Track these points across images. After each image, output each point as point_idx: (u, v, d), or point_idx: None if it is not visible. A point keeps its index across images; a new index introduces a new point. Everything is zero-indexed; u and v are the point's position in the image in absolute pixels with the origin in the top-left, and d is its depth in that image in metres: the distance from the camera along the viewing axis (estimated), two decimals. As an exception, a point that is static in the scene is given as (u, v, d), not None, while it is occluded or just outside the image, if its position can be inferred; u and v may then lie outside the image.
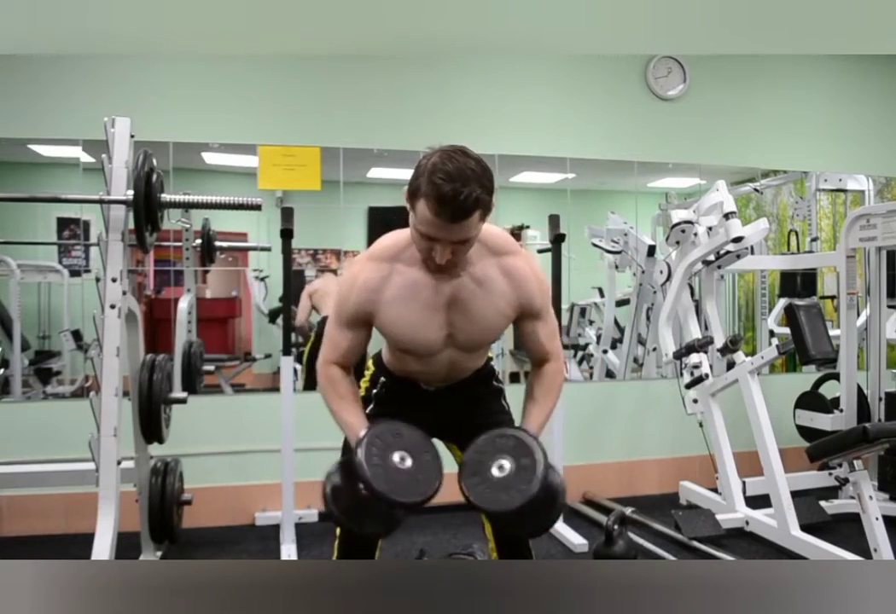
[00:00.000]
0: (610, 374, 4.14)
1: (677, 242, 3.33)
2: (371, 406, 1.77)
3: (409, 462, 1.44)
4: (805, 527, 2.88)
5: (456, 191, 1.35)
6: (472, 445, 1.50)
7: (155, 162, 2.32)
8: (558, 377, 1.68)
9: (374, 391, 1.78)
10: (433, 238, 1.42)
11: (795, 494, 2.97)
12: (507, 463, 1.44)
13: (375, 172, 3.85)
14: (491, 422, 1.77)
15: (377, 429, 1.49)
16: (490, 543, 1.73)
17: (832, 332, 3.32)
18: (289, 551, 2.88)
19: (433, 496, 1.43)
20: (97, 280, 2.25)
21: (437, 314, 1.56)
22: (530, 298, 1.60)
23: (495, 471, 1.44)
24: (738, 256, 3.26)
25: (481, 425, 1.75)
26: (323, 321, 3.68)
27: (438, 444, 1.80)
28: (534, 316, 1.62)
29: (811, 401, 3.39)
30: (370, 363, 1.84)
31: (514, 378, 4.07)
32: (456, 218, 1.38)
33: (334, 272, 3.81)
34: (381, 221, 3.60)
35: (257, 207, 2.44)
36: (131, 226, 2.26)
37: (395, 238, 1.59)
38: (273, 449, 3.00)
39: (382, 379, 1.78)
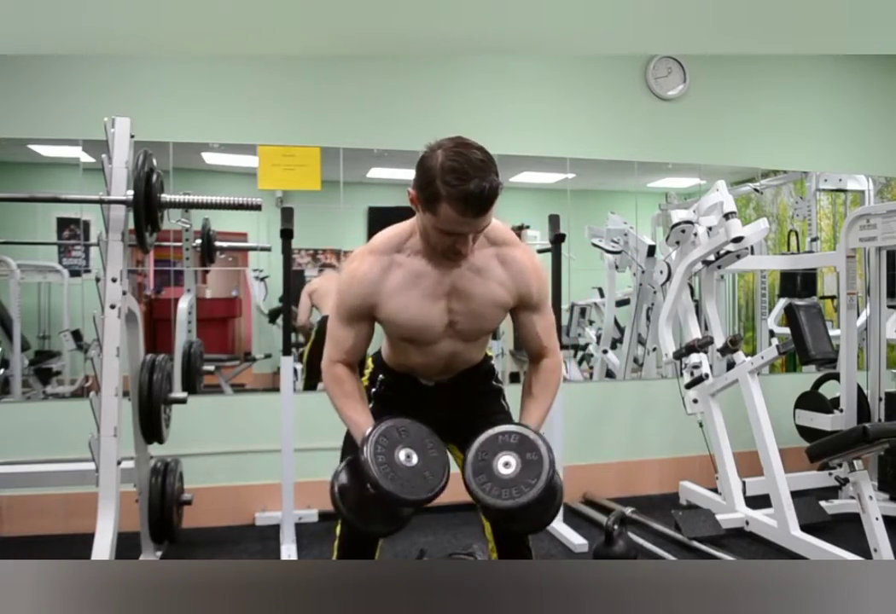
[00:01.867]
0: (610, 374, 4.13)
1: (677, 242, 3.33)
2: (370, 405, 1.77)
3: (414, 459, 1.45)
4: (805, 527, 2.88)
5: (478, 187, 1.38)
6: (474, 443, 1.50)
7: (155, 162, 2.32)
8: (556, 373, 1.69)
9: (374, 390, 1.78)
10: (456, 233, 1.45)
11: (795, 494, 2.96)
12: (512, 460, 1.47)
13: (375, 172, 3.85)
14: (490, 422, 1.77)
15: (383, 426, 1.49)
16: (490, 543, 1.73)
17: (832, 332, 3.32)
18: (289, 551, 2.88)
19: (440, 492, 1.45)
20: (97, 280, 2.25)
21: (438, 302, 1.57)
22: (528, 289, 1.62)
23: (501, 469, 1.46)
24: (738, 256, 3.26)
25: (481, 426, 1.76)
26: (323, 320, 3.68)
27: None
28: (531, 308, 1.64)
29: (811, 401, 3.39)
30: (369, 361, 1.84)
31: (514, 378, 4.07)
32: (482, 212, 1.42)
33: (334, 267, 3.81)
34: (381, 221, 3.57)
35: (257, 207, 2.44)
36: (131, 226, 2.26)
37: (394, 231, 1.61)
38: (273, 449, 3.00)
39: (381, 376, 1.78)
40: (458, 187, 1.38)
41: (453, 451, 1.80)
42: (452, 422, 1.76)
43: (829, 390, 3.43)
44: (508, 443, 1.49)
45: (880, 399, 3.28)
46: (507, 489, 1.43)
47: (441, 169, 1.39)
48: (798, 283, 4.15)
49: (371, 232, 3.77)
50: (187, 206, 2.51)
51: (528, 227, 3.88)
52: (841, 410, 3.11)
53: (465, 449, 1.76)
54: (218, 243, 3.52)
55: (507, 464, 1.46)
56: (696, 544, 2.88)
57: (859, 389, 3.17)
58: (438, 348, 1.64)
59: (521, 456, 1.47)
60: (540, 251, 3.59)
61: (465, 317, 1.59)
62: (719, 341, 3.20)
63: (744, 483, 3.22)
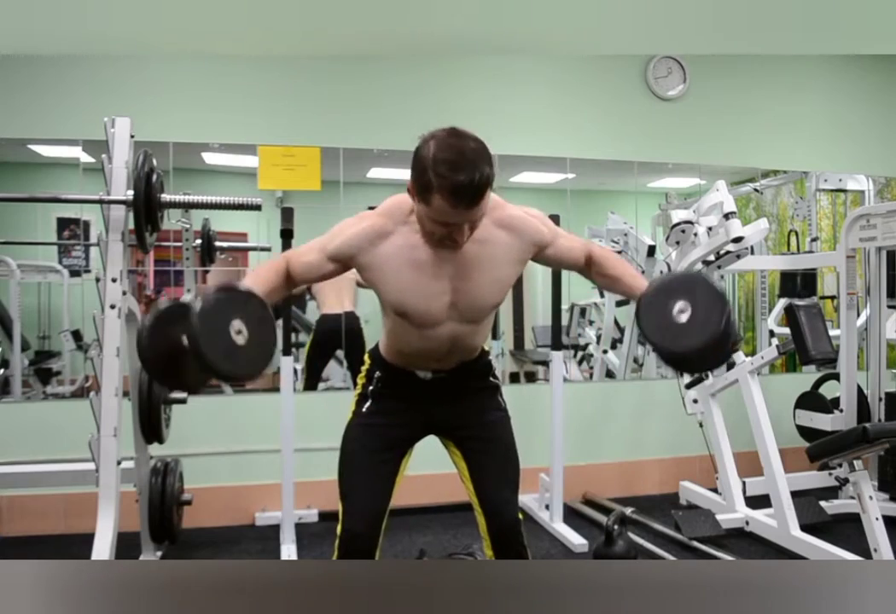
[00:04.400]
0: (610, 374, 4.14)
1: (677, 242, 3.33)
2: (367, 403, 1.76)
3: (244, 336, 1.37)
4: (805, 527, 2.88)
5: (468, 177, 1.37)
6: (647, 291, 1.51)
7: (155, 162, 2.32)
8: (610, 253, 1.73)
9: (371, 388, 1.77)
10: (451, 223, 1.44)
11: (795, 494, 2.97)
12: (685, 305, 1.46)
13: (375, 172, 3.85)
14: (487, 419, 1.78)
15: (230, 289, 1.41)
16: (485, 541, 1.73)
17: (832, 332, 3.32)
18: (289, 551, 2.88)
19: (254, 377, 1.40)
20: (97, 280, 2.25)
21: (439, 281, 1.56)
22: (538, 233, 1.63)
23: (676, 315, 1.46)
24: (738, 256, 3.25)
25: (477, 423, 1.77)
26: (322, 319, 3.68)
27: (436, 443, 1.82)
28: (550, 243, 1.65)
29: (811, 401, 3.39)
30: (366, 357, 1.83)
31: (514, 378, 4.07)
32: (473, 203, 1.41)
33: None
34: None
35: (257, 207, 2.44)
36: (131, 226, 2.26)
37: (404, 200, 1.57)
38: (273, 449, 3.00)
39: (378, 373, 1.77)
40: (448, 178, 1.37)
41: (450, 448, 1.80)
42: (449, 418, 1.76)
43: (829, 390, 3.43)
44: (682, 288, 1.49)
45: (880, 399, 3.28)
46: (682, 334, 1.44)
47: (433, 159, 1.39)
48: (798, 283, 4.14)
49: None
50: (187, 206, 2.51)
51: (528, 227, 3.87)
52: (841, 410, 3.11)
53: (461, 447, 1.77)
54: (218, 243, 3.51)
55: (681, 310, 1.46)
56: (696, 544, 2.88)
57: (859, 389, 3.17)
58: (439, 332, 1.62)
59: (695, 300, 1.46)
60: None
61: (469, 293, 1.59)
62: (719, 341, 3.20)
63: (744, 483, 3.22)
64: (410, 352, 1.71)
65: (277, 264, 1.59)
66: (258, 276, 1.55)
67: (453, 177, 1.36)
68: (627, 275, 1.66)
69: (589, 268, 1.71)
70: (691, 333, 1.44)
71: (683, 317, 1.45)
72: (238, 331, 1.36)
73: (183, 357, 1.38)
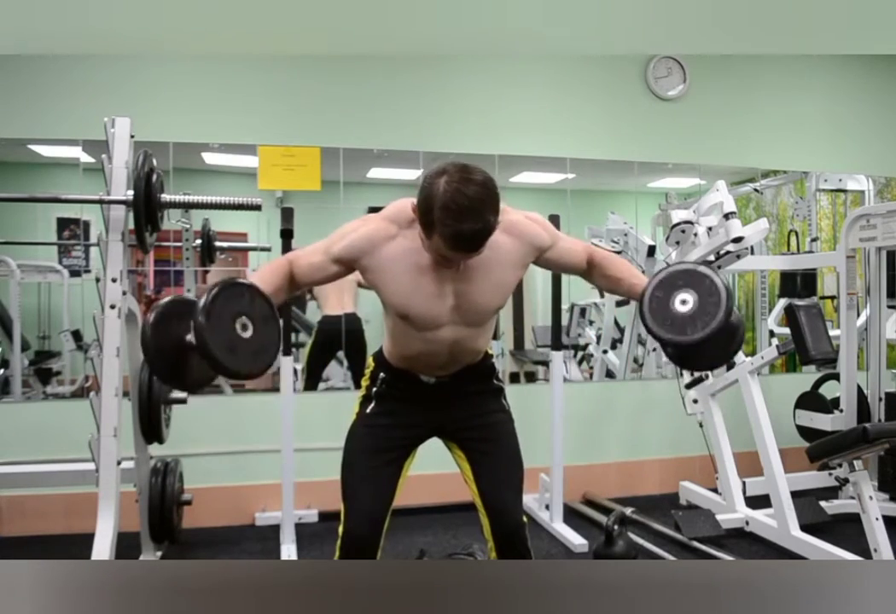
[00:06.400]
0: (610, 374, 4.13)
1: (677, 242, 3.32)
2: (372, 404, 1.77)
3: (249, 331, 1.37)
4: (805, 527, 2.88)
5: (471, 229, 1.40)
6: (649, 285, 1.52)
7: (155, 162, 2.32)
8: (611, 256, 1.73)
9: (374, 389, 1.78)
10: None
11: (795, 494, 2.97)
12: (689, 297, 1.48)
13: (375, 172, 3.85)
14: (491, 421, 1.78)
15: (232, 285, 1.39)
16: (489, 543, 1.73)
17: (832, 332, 3.32)
18: (289, 551, 2.88)
19: (259, 374, 1.40)
20: (97, 280, 2.25)
21: (442, 284, 1.58)
22: (538, 237, 1.65)
23: (678, 306, 1.48)
24: (738, 256, 3.25)
25: (481, 425, 1.77)
26: (323, 320, 3.68)
27: (436, 443, 1.82)
28: (550, 246, 1.67)
29: (811, 401, 3.39)
30: (370, 360, 1.84)
31: (514, 378, 4.07)
32: (473, 249, 1.45)
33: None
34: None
35: (257, 207, 2.44)
36: (131, 226, 2.26)
37: (408, 205, 1.57)
38: (273, 449, 3.00)
39: (382, 374, 1.78)
40: (451, 227, 1.39)
41: (454, 451, 1.80)
42: (453, 420, 1.76)
43: (829, 390, 3.43)
44: (684, 281, 1.50)
45: (880, 399, 3.28)
46: (686, 325, 1.45)
47: (439, 204, 1.40)
48: (798, 283, 4.14)
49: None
50: (187, 206, 2.51)
51: (528, 227, 3.87)
52: (841, 410, 3.11)
53: (465, 449, 1.77)
54: (218, 243, 3.51)
55: (684, 302, 1.47)
56: (696, 544, 2.88)
57: (859, 389, 3.17)
58: (441, 335, 1.63)
59: (697, 292, 1.48)
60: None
61: (472, 297, 1.60)
62: (719, 341, 3.20)
63: (744, 483, 3.23)
64: (413, 356, 1.71)
65: (281, 266, 1.59)
66: (262, 277, 1.54)
67: (457, 226, 1.39)
68: (630, 276, 1.67)
69: (591, 270, 1.72)
70: (695, 324, 1.46)
71: (685, 309, 1.47)
72: (243, 326, 1.36)
73: (187, 354, 1.38)
